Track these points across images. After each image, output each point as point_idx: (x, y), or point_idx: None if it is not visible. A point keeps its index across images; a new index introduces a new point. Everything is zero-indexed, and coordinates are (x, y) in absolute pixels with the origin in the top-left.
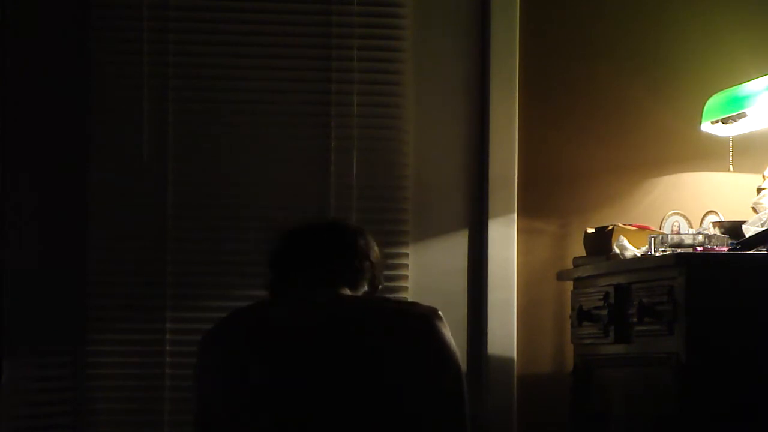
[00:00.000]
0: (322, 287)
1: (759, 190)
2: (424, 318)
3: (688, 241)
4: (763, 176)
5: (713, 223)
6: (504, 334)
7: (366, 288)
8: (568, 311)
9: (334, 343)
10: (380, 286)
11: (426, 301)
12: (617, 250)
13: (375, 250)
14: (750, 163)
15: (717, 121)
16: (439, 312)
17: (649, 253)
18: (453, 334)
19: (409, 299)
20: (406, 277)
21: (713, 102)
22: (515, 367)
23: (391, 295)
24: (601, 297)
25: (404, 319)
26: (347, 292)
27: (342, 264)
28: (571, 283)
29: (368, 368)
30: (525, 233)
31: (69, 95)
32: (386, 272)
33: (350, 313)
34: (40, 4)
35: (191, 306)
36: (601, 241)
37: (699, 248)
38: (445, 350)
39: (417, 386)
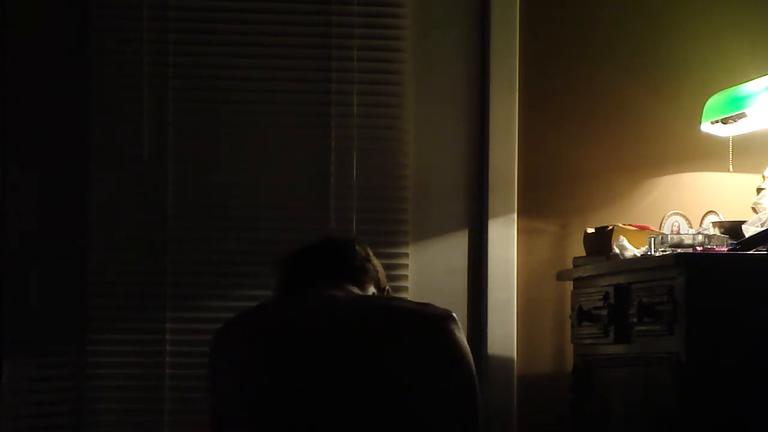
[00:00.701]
0: (330, 288)
1: (759, 190)
2: (437, 319)
3: (688, 241)
4: (763, 176)
5: (713, 223)
6: (504, 334)
7: (373, 289)
8: (568, 311)
9: (344, 342)
10: (386, 288)
11: (426, 301)
12: (617, 250)
13: (374, 258)
14: (750, 163)
15: (717, 121)
16: (454, 314)
17: (649, 253)
18: None
19: (409, 299)
20: (406, 277)
21: (713, 102)
22: (515, 367)
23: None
24: (601, 297)
25: (417, 320)
26: (356, 290)
27: (344, 265)
28: (571, 283)
29: (379, 368)
30: (525, 233)
31: (69, 95)
32: (386, 272)
33: (362, 312)
34: (40, 4)
35: (191, 306)
36: (601, 241)
37: (699, 248)
38: (458, 353)
39: (428, 388)
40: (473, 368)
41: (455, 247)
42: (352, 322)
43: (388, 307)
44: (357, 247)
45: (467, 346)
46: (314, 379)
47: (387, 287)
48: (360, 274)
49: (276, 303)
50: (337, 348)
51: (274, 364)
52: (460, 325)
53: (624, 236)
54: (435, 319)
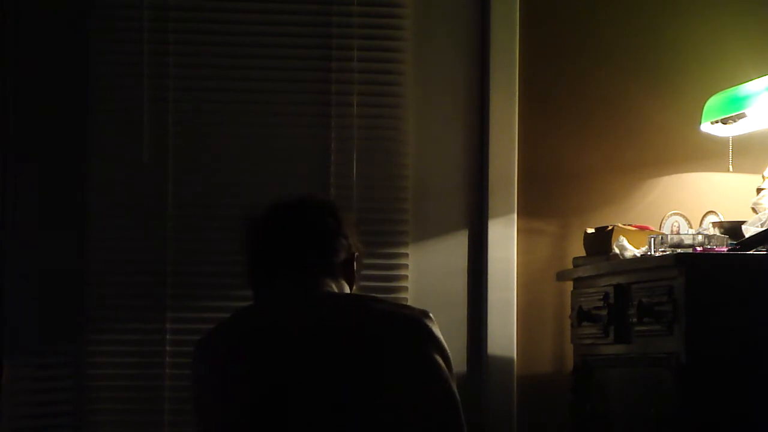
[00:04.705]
0: (305, 282)
1: (758, 190)
2: (416, 320)
3: (687, 241)
4: (763, 176)
5: (713, 223)
6: (504, 334)
7: (343, 256)
8: (568, 311)
9: (325, 347)
10: (356, 254)
11: (426, 301)
12: (617, 251)
13: (346, 223)
14: (750, 163)
15: (717, 122)
16: (431, 314)
17: (649, 253)
18: (453, 334)
19: (409, 299)
20: (406, 277)
21: (713, 102)
22: (515, 367)
23: (390, 296)
24: (601, 297)
25: (396, 321)
26: (330, 283)
27: (315, 250)
28: (571, 283)
29: (361, 371)
30: (525, 233)
31: (69, 95)
32: (386, 272)
33: (342, 315)
34: (40, 4)
35: (191, 306)
36: (601, 241)
37: (699, 248)
38: (437, 353)
39: (410, 389)
40: (451, 366)
41: (455, 248)
42: (332, 327)
43: (368, 309)
44: (329, 221)
45: (445, 344)
46: (298, 385)
47: (357, 254)
48: (333, 257)
49: (256, 308)
50: (318, 353)
51: (256, 372)
52: (436, 324)
53: (624, 236)
54: (412, 320)
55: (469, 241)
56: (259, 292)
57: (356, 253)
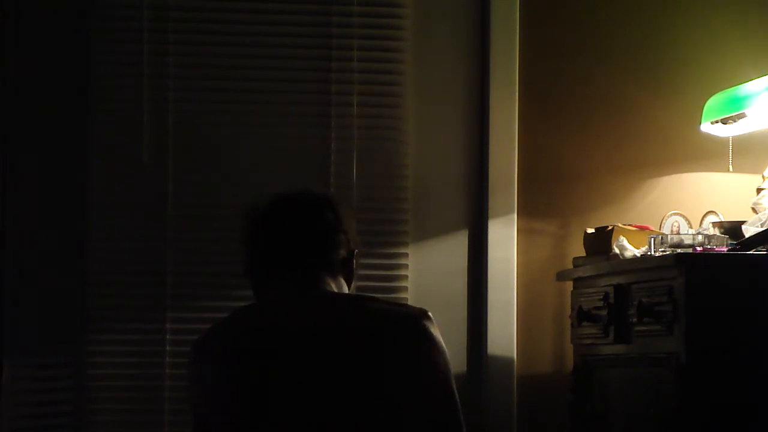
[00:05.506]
0: (304, 282)
1: (759, 190)
2: (414, 320)
3: (687, 241)
4: (763, 176)
5: (713, 223)
6: (504, 334)
7: (342, 252)
8: (568, 311)
9: (325, 346)
10: (355, 251)
11: (426, 301)
12: (617, 251)
13: (345, 218)
14: (750, 163)
15: (717, 122)
16: (429, 313)
17: (649, 253)
18: (453, 334)
19: (409, 299)
20: (406, 277)
21: (713, 102)
22: (515, 367)
23: (390, 296)
24: (601, 297)
25: (394, 321)
26: (329, 281)
27: (315, 249)
28: (571, 283)
29: (360, 371)
30: (525, 233)
31: (69, 95)
32: (386, 272)
33: (341, 315)
34: (40, 4)
35: (191, 306)
36: (600, 242)
37: (699, 248)
38: (434, 351)
39: (409, 389)
40: (449, 366)
41: (455, 248)
42: (331, 327)
43: (366, 310)
44: (327, 215)
45: (443, 344)
46: (296, 385)
47: (356, 250)
48: (332, 254)
49: (254, 308)
50: (316, 353)
51: (254, 372)
52: (435, 323)
53: (624, 236)
54: (412, 320)
55: (469, 241)
56: (258, 291)
57: (355, 249)
